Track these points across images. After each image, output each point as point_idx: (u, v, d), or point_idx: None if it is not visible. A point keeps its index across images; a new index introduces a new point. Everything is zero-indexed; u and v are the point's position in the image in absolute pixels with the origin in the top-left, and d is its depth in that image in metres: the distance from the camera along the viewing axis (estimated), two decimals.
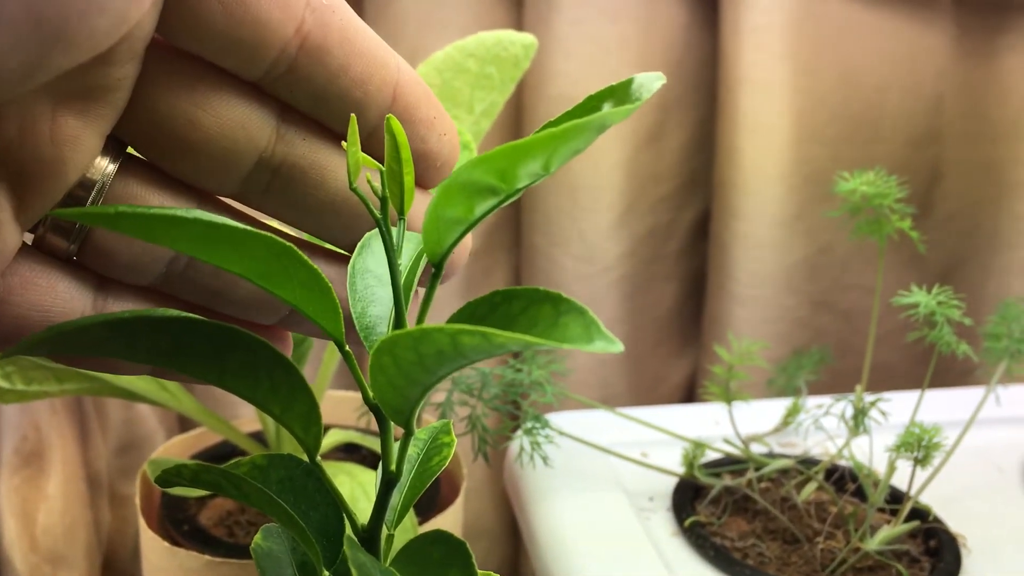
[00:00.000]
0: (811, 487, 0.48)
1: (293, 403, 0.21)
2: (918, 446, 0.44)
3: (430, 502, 0.53)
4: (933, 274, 0.78)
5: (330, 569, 0.24)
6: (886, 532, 0.45)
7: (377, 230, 0.24)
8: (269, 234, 0.19)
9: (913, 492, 0.46)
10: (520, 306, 0.19)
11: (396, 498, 0.25)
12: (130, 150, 0.23)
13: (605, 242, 0.76)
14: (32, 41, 0.18)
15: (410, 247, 0.24)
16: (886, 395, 0.50)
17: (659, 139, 0.76)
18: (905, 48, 0.72)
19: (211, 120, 0.22)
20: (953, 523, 0.48)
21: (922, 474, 0.46)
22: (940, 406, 0.56)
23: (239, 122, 0.23)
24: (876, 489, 0.46)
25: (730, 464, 0.52)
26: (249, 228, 0.19)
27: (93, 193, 0.22)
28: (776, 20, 0.69)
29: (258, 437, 0.58)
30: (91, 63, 0.20)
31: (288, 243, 0.19)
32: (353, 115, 0.21)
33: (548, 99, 0.72)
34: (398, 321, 0.22)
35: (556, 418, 0.56)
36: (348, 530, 0.23)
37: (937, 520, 0.48)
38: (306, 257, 0.20)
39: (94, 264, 0.23)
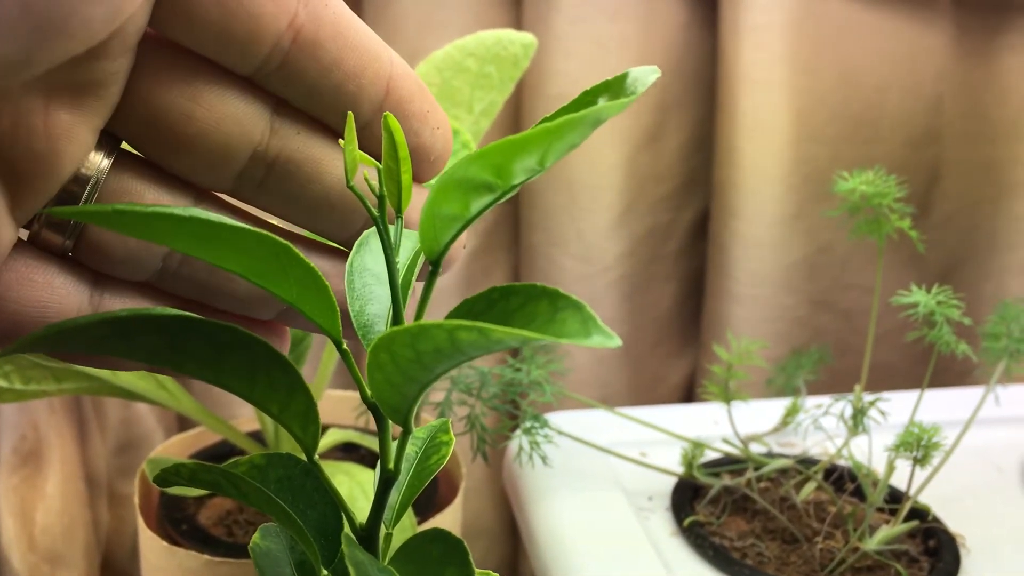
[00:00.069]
0: (810, 487, 0.48)
1: (291, 402, 0.21)
2: (917, 446, 0.44)
3: (429, 501, 0.53)
4: (932, 274, 0.78)
5: (328, 568, 0.23)
6: (885, 532, 0.45)
7: (374, 228, 0.24)
8: (266, 232, 0.19)
9: (912, 492, 0.46)
10: (518, 302, 0.19)
11: (394, 497, 0.25)
12: (124, 145, 0.23)
13: (604, 242, 0.76)
14: (26, 32, 0.18)
15: (408, 245, 0.24)
16: (885, 395, 0.50)
17: (658, 139, 0.76)
18: (905, 48, 0.72)
19: (205, 114, 0.22)
20: (952, 523, 0.48)
21: (921, 474, 0.46)
22: (939, 406, 0.56)
23: (233, 116, 0.23)
24: (875, 489, 0.46)
25: (729, 464, 0.52)
26: (246, 226, 0.19)
27: (88, 189, 0.22)
28: (776, 19, 0.69)
29: (257, 437, 0.58)
30: (84, 56, 0.20)
31: (285, 241, 0.19)
32: (350, 113, 0.21)
33: (547, 98, 0.72)
34: (396, 319, 0.22)
35: (555, 417, 0.56)
36: (346, 529, 0.23)
37: (936, 520, 0.48)
38: (303, 255, 0.20)
39: (90, 260, 0.23)
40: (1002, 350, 0.51)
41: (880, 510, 0.49)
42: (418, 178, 0.25)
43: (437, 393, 0.50)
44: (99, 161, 0.22)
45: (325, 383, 0.55)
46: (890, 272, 0.76)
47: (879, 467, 0.49)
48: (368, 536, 0.24)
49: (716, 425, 0.57)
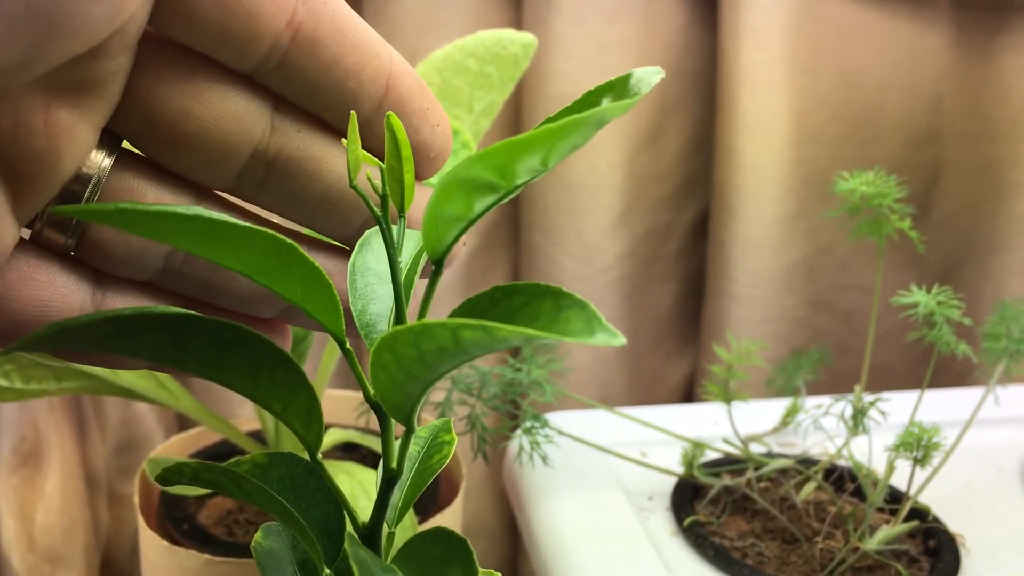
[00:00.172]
0: (810, 487, 0.48)
1: (294, 400, 0.21)
2: (917, 446, 0.44)
3: (429, 501, 0.53)
4: (932, 274, 0.78)
5: (331, 567, 0.23)
6: (885, 532, 0.45)
7: (377, 228, 0.24)
8: (269, 231, 0.19)
9: (912, 492, 0.46)
10: (521, 301, 0.19)
11: (397, 496, 0.25)
12: (125, 144, 0.23)
13: (604, 242, 0.76)
14: (28, 32, 0.18)
15: (410, 244, 0.24)
16: (885, 395, 0.50)
17: (658, 139, 0.76)
18: (904, 48, 0.72)
19: (205, 112, 0.22)
20: (952, 523, 0.48)
21: (921, 474, 0.46)
22: (939, 406, 0.56)
23: (233, 114, 0.23)
24: (875, 489, 0.46)
25: (729, 464, 0.52)
26: (249, 225, 0.19)
27: (89, 188, 0.22)
28: (776, 20, 0.69)
29: (257, 436, 0.58)
30: (84, 56, 0.20)
31: (288, 240, 0.19)
32: (353, 113, 0.21)
33: (547, 98, 0.72)
34: (399, 318, 0.22)
35: (555, 417, 0.56)
36: (349, 528, 0.23)
37: (936, 520, 0.48)
38: (306, 254, 0.20)
39: (92, 259, 0.23)
40: (1002, 350, 0.51)
41: (880, 510, 0.49)
42: (418, 175, 0.25)
43: (437, 393, 0.50)
44: (100, 160, 0.22)
45: (325, 382, 0.55)
46: (890, 273, 0.76)
47: (879, 467, 0.49)
48: (371, 535, 0.24)
49: (716, 425, 0.57)
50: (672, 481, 0.52)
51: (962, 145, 0.76)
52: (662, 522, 0.49)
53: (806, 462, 0.52)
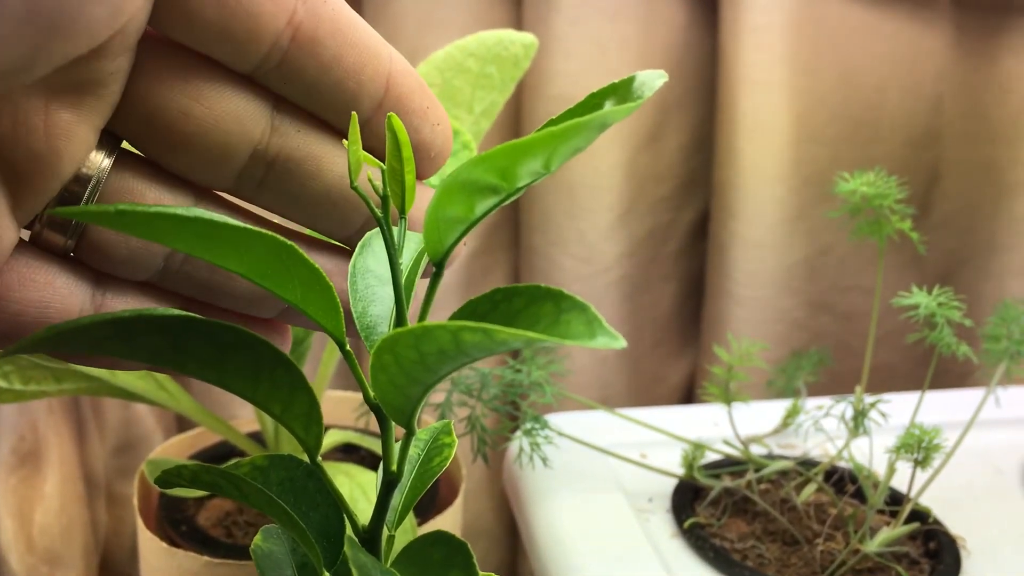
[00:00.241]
0: (811, 488, 0.48)
1: (294, 402, 0.21)
2: (918, 447, 0.44)
3: (429, 503, 0.53)
4: (932, 275, 0.78)
5: (330, 570, 0.23)
6: (886, 534, 0.45)
7: (377, 229, 0.24)
8: (269, 232, 0.19)
9: (913, 494, 0.46)
10: (521, 303, 0.19)
11: (397, 498, 0.24)
12: (125, 145, 0.23)
13: (604, 242, 0.76)
14: (30, 33, 0.18)
15: (411, 246, 0.24)
16: (886, 396, 0.50)
17: (659, 139, 0.76)
18: (905, 49, 0.72)
19: (205, 112, 0.22)
20: (953, 525, 0.48)
21: (922, 476, 0.46)
22: (940, 407, 0.56)
23: (233, 114, 0.23)
24: (876, 491, 0.46)
25: (729, 465, 0.52)
26: (249, 226, 0.18)
27: (89, 188, 0.22)
28: (776, 20, 0.69)
29: (256, 437, 0.58)
30: (84, 56, 0.20)
31: (289, 242, 0.19)
32: (354, 114, 0.21)
33: (548, 99, 0.72)
34: (399, 320, 0.22)
35: (555, 419, 0.56)
36: (349, 531, 0.23)
37: (937, 522, 0.48)
38: (307, 256, 0.20)
39: (91, 260, 0.23)
40: (1002, 352, 0.51)
41: (881, 512, 0.49)
42: (419, 175, 0.25)
43: (437, 394, 0.50)
44: (100, 161, 0.22)
45: (325, 384, 0.55)
46: (890, 273, 0.76)
47: (880, 469, 0.49)
48: (371, 538, 0.23)
49: (716, 426, 0.57)
50: (672, 483, 0.52)
51: (962, 145, 0.76)
52: (662, 524, 0.49)
53: (806, 464, 0.52)
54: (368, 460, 0.57)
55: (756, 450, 0.54)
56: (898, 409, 0.51)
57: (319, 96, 0.23)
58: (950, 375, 0.77)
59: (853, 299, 0.78)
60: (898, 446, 0.44)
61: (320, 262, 0.25)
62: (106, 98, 0.22)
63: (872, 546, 0.44)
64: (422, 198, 0.25)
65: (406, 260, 0.24)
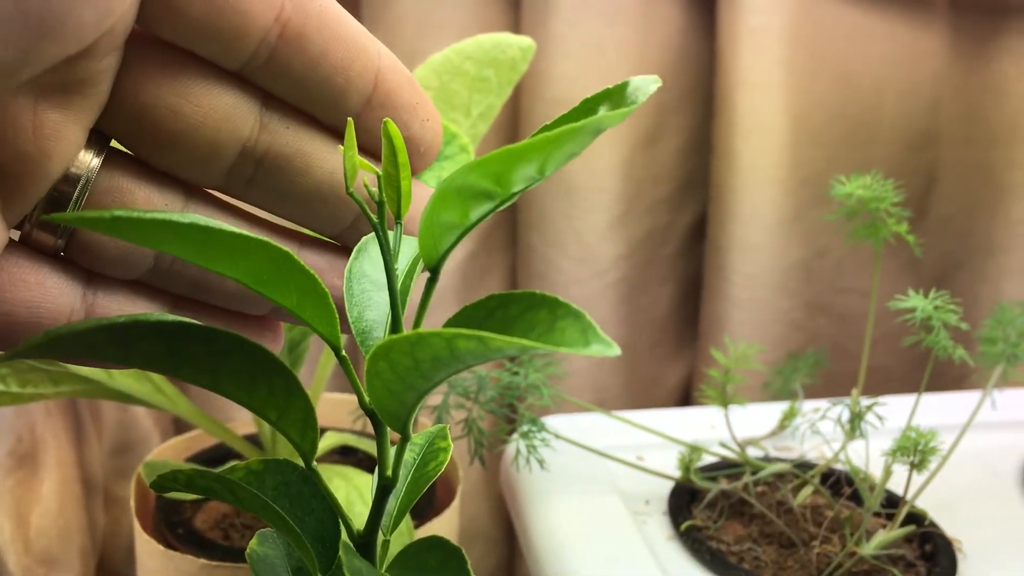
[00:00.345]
0: (807, 491, 0.48)
1: (289, 408, 0.21)
2: (914, 450, 0.44)
3: (426, 506, 0.53)
4: (928, 278, 0.78)
5: (325, 575, 0.23)
6: (882, 536, 0.45)
7: (373, 234, 0.24)
8: (266, 239, 0.19)
9: (909, 496, 0.46)
10: (517, 310, 0.19)
11: (392, 503, 0.24)
12: (114, 144, 0.23)
13: (602, 244, 0.76)
14: (20, 35, 0.18)
15: (406, 251, 0.24)
16: (882, 399, 0.50)
17: (656, 141, 0.76)
18: (902, 51, 0.72)
19: (193, 110, 0.22)
20: (949, 527, 0.48)
21: (918, 478, 0.46)
22: (936, 410, 0.56)
23: (221, 112, 0.23)
24: (872, 493, 0.46)
25: (726, 468, 0.52)
26: (245, 233, 0.19)
27: (78, 188, 0.22)
28: (773, 22, 0.69)
29: (253, 440, 0.58)
30: (73, 56, 0.20)
31: (285, 248, 0.19)
32: (350, 120, 0.21)
33: (545, 102, 0.72)
34: (395, 325, 0.22)
35: (552, 421, 0.56)
36: (344, 536, 0.23)
37: (933, 524, 0.48)
38: (303, 262, 0.20)
39: (82, 259, 0.23)
40: (999, 354, 0.51)
41: (877, 514, 0.49)
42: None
43: (434, 397, 0.50)
44: (89, 160, 0.22)
45: (322, 386, 0.55)
46: (887, 276, 0.76)
47: (876, 471, 0.49)
48: (366, 543, 0.24)
49: (713, 429, 0.57)
50: (669, 485, 0.52)
51: (959, 148, 0.76)
52: (658, 526, 0.49)
53: (803, 466, 0.52)
54: (365, 462, 0.57)
55: (753, 452, 0.54)
56: (894, 412, 0.51)
57: (307, 92, 0.23)
58: (946, 378, 0.77)
59: (850, 301, 0.78)
60: (894, 449, 0.44)
61: (312, 259, 0.25)
62: (94, 97, 0.22)
63: (868, 549, 0.44)
64: (418, 203, 0.25)
65: (402, 265, 0.24)
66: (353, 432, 0.58)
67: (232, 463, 0.24)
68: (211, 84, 0.22)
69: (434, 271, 0.21)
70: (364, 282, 0.24)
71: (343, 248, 0.26)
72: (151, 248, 0.23)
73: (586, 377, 0.79)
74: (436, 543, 0.22)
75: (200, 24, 0.21)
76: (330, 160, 0.24)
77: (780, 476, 0.51)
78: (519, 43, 0.47)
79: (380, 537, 0.24)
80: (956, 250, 0.79)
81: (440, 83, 0.47)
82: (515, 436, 0.51)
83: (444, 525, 0.51)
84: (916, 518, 0.47)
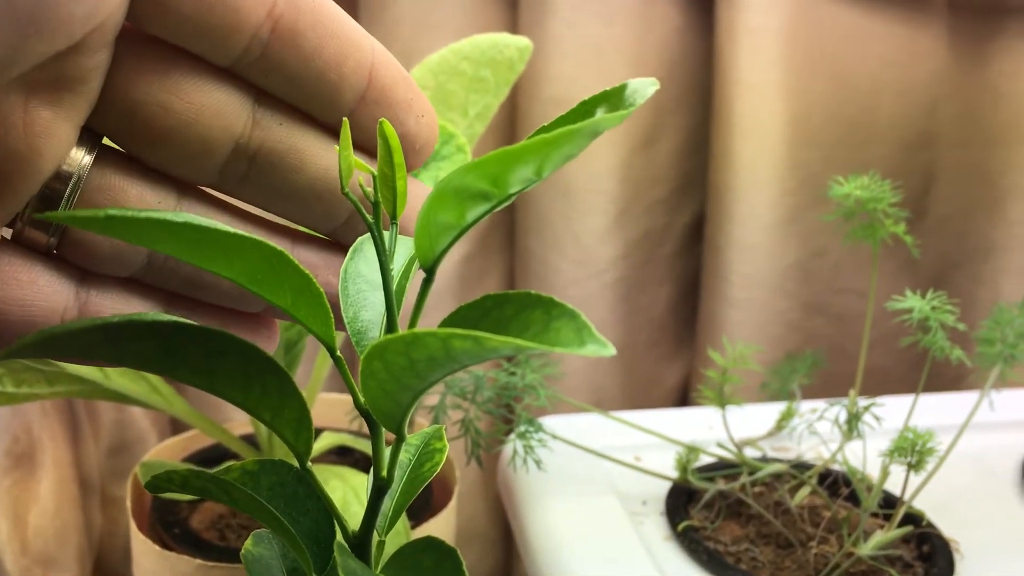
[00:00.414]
0: (804, 491, 0.48)
1: (284, 408, 0.21)
2: (912, 451, 0.44)
3: (423, 506, 0.53)
4: (926, 278, 0.78)
5: (320, 575, 0.23)
6: (879, 537, 0.45)
7: (368, 235, 0.24)
8: (261, 239, 0.19)
9: (907, 497, 0.46)
10: (512, 310, 0.19)
11: (387, 504, 0.24)
12: (106, 141, 0.23)
13: (599, 245, 0.76)
14: (9, 30, 0.18)
15: (402, 251, 0.24)
16: (880, 399, 0.50)
17: (654, 142, 0.76)
18: (899, 51, 0.72)
19: (184, 107, 0.22)
20: (946, 528, 0.48)
21: (916, 479, 0.46)
22: (934, 411, 0.56)
23: (213, 108, 0.22)
24: (869, 494, 0.46)
25: (723, 468, 0.52)
26: (240, 232, 0.18)
27: (70, 186, 0.22)
28: (771, 23, 0.69)
29: (250, 440, 0.58)
30: (63, 52, 0.20)
31: (280, 248, 0.19)
32: (346, 120, 0.21)
33: (543, 102, 0.72)
34: (390, 326, 0.22)
35: (549, 421, 0.56)
36: (339, 536, 0.23)
37: (930, 525, 0.48)
38: (298, 263, 0.20)
39: (74, 257, 0.23)
40: (996, 355, 0.51)
41: (874, 515, 0.49)
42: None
43: (431, 397, 0.50)
44: (81, 158, 0.22)
45: (319, 387, 0.55)
46: (885, 276, 0.76)
47: (873, 472, 0.49)
48: (361, 544, 0.23)
49: (710, 429, 0.57)
50: (666, 485, 0.52)
51: (957, 149, 0.76)
52: (656, 527, 0.49)
53: (800, 467, 0.52)
54: (362, 463, 0.57)
55: (750, 453, 0.54)
56: (892, 412, 0.51)
57: (301, 88, 0.23)
58: (944, 378, 0.77)
59: (847, 302, 0.78)
60: (892, 449, 0.44)
61: (306, 256, 0.25)
62: (85, 94, 0.21)
63: (866, 549, 0.44)
64: (415, 201, 0.25)
65: (397, 265, 0.24)
66: (350, 432, 0.58)
67: (228, 463, 0.24)
68: (203, 81, 0.22)
69: (430, 272, 0.21)
70: (360, 282, 0.23)
71: (338, 245, 0.25)
72: (145, 247, 0.23)
73: (583, 377, 0.79)
74: (431, 544, 0.22)
75: (191, 20, 0.21)
76: (324, 157, 0.24)
77: (777, 476, 0.51)
78: (516, 43, 0.47)
79: (375, 538, 0.24)
80: (954, 251, 0.79)
81: (437, 83, 0.46)
82: (512, 437, 0.51)
83: (441, 526, 0.51)
84: (914, 518, 0.47)
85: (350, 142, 0.21)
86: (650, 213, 0.77)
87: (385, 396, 0.19)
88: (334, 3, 0.23)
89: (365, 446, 0.56)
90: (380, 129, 0.21)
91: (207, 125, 0.22)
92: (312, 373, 0.55)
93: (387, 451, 0.23)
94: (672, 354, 0.84)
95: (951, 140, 0.76)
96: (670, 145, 0.77)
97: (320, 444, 0.55)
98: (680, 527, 0.48)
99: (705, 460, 0.53)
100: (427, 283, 0.21)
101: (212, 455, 0.57)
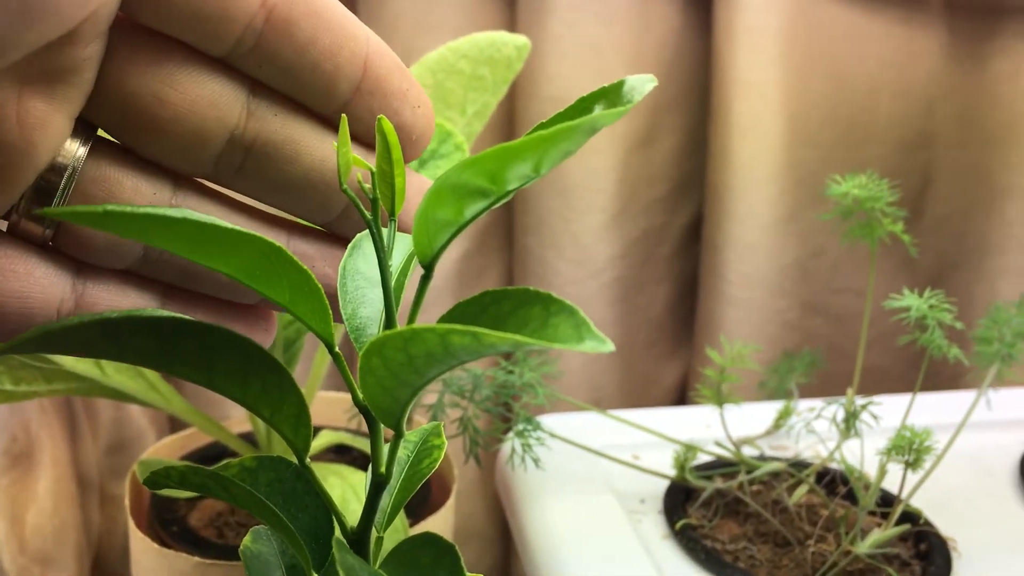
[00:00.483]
0: (802, 490, 0.48)
1: (283, 405, 0.21)
2: (909, 449, 0.44)
3: (421, 504, 0.53)
4: (924, 277, 0.78)
5: (319, 572, 0.23)
6: (877, 535, 0.45)
7: (367, 231, 0.24)
8: (259, 235, 0.19)
9: (904, 495, 0.46)
10: (510, 306, 0.19)
11: (386, 500, 0.24)
12: (101, 132, 0.23)
13: (598, 244, 0.76)
14: (2, 18, 0.18)
15: (401, 248, 0.24)
16: (877, 398, 0.50)
17: (652, 142, 0.76)
18: (897, 51, 0.73)
19: (178, 97, 0.22)
20: (944, 526, 0.48)
21: (913, 477, 0.46)
22: (931, 409, 0.56)
23: (208, 99, 0.22)
24: (867, 492, 0.46)
25: (721, 467, 0.52)
26: (239, 228, 0.18)
27: (65, 178, 0.22)
28: (770, 23, 0.69)
29: (248, 438, 0.58)
30: (56, 43, 0.20)
31: (278, 244, 0.19)
32: (345, 116, 0.21)
33: (541, 100, 0.72)
34: (388, 322, 0.22)
35: (547, 420, 0.56)
36: (337, 533, 0.23)
37: (928, 523, 0.48)
38: (296, 258, 0.20)
39: (70, 249, 0.23)
40: (994, 354, 0.51)
41: (872, 513, 0.49)
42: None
43: (429, 395, 0.50)
44: (75, 149, 0.22)
45: (317, 384, 0.55)
46: (882, 275, 0.77)
47: (871, 470, 0.49)
48: (359, 540, 0.23)
49: (708, 428, 0.57)
50: (664, 484, 0.52)
51: (954, 149, 0.76)
52: (654, 525, 0.49)
53: (798, 465, 0.52)
54: (360, 461, 0.57)
55: (748, 452, 0.54)
56: (889, 411, 0.51)
57: (295, 79, 0.23)
58: (941, 377, 0.77)
59: (845, 301, 0.78)
60: (889, 448, 0.44)
61: (302, 248, 0.25)
62: (80, 86, 0.21)
63: (863, 547, 0.44)
64: (412, 199, 0.25)
65: (396, 262, 0.24)
66: (349, 431, 0.58)
67: (226, 461, 0.24)
68: (196, 71, 0.22)
69: (428, 268, 0.21)
70: (358, 279, 0.23)
71: (334, 236, 0.25)
72: (144, 243, 0.23)
73: (582, 376, 0.79)
74: (430, 540, 0.22)
75: (184, 10, 0.21)
76: (320, 148, 0.24)
77: (775, 475, 0.51)
78: (515, 42, 0.47)
79: (374, 534, 0.24)
80: (951, 250, 0.79)
81: (435, 81, 0.47)
82: (510, 435, 0.51)
83: (439, 523, 0.51)
84: (911, 517, 0.47)
85: (348, 138, 0.21)
86: (648, 212, 0.77)
87: (384, 392, 0.19)
88: None
89: (363, 444, 0.56)
90: (379, 126, 0.21)
91: (201, 116, 0.22)
92: (310, 371, 0.55)
93: (386, 448, 0.23)
94: (670, 353, 0.84)
95: (949, 140, 0.76)
96: (668, 144, 0.77)
97: (318, 442, 0.55)
98: (678, 525, 0.48)
99: (703, 459, 0.53)
100: (425, 279, 0.21)
101: (210, 453, 0.57)
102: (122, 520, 0.72)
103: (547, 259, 0.76)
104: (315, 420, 0.25)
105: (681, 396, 0.85)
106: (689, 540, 0.47)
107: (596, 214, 0.75)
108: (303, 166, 0.24)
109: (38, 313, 0.23)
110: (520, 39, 0.48)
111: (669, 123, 0.76)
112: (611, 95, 0.21)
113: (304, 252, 0.25)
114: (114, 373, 0.48)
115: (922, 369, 0.49)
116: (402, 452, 0.26)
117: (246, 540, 0.25)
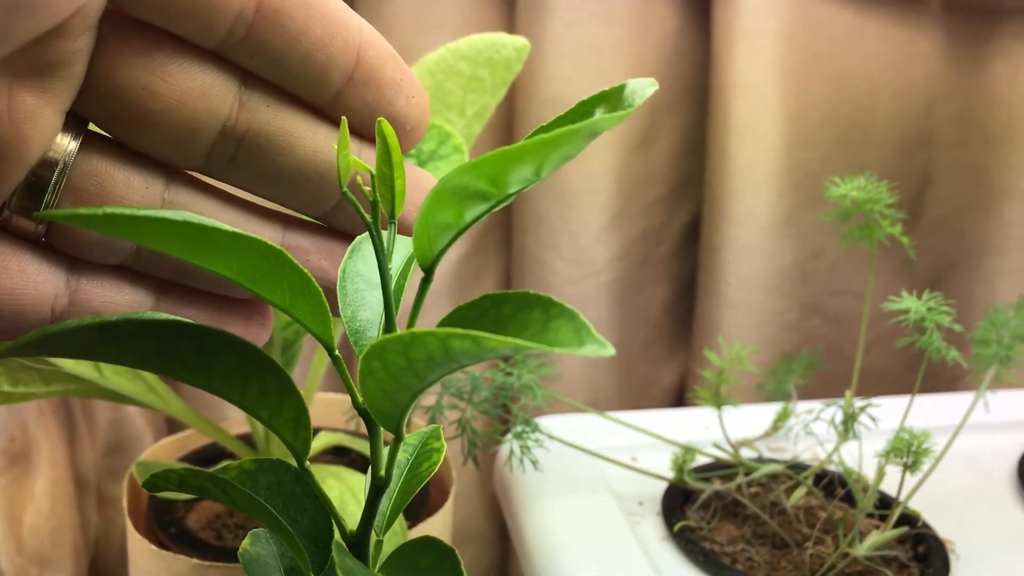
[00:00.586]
0: (800, 492, 0.48)
1: (282, 407, 0.21)
2: (907, 451, 0.44)
3: (419, 506, 0.53)
4: (922, 279, 0.78)
5: (318, 575, 0.23)
6: (875, 537, 0.45)
7: (367, 233, 0.24)
8: (259, 237, 0.19)
9: (902, 497, 0.46)
10: (510, 310, 0.19)
11: (385, 503, 0.24)
12: (92, 126, 0.23)
13: (596, 245, 0.76)
14: None
15: (401, 251, 0.24)
16: (876, 400, 0.50)
17: (651, 142, 0.76)
18: (896, 53, 0.73)
19: (169, 89, 0.22)
20: (942, 529, 0.48)
21: (911, 479, 0.46)
22: (929, 411, 0.56)
23: (199, 90, 0.22)
24: (865, 494, 0.46)
25: (720, 469, 0.52)
26: (238, 231, 0.18)
27: (56, 173, 0.22)
28: (768, 24, 0.69)
29: (246, 439, 0.57)
30: (46, 37, 0.20)
31: (278, 247, 0.19)
32: (344, 118, 0.21)
33: (540, 102, 0.72)
34: (388, 325, 0.22)
35: (546, 422, 0.56)
36: (337, 536, 0.23)
37: (926, 526, 0.48)
38: (295, 261, 0.20)
39: (63, 245, 0.23)
40: (992, 356, 0.51)
41: (870, 516, 0.49)
42: None
43: (428, 397, 0.50)
44: (67, 144, 0.22)
45: (316, 386, 0.55)
46: (881, 277, 0.77)
47: (869, 473, 0.49)
48: (358, 543, 0.23)
49: (707, 430, 0.57)
50: (662, 486, 0.52)
51: (953, 150, 0.76)
52: (652, 527, 0.49)
53: (796, 467, 0.52)
54: (359, 463, 0.57)
55: (746, 453, 0.54)
56: (888, 413, 0.51)
57: (287, 69, 0.23)
58: (940, 379, 0.77)
59: (844, 302, 0.78)
60: (888, 450, 0.44)
61: (296, 241, 0.25)
62: (70, 79, 0.21)
63: (861, 550, 0.44)
64: (412, 193, 0.24)
65: (396, 265, 0.24)
66: (347, 432, 0.58)
67: (225, 463, 0.24)
68: (187, 63, 0.22)
69: (428, 271, 0.21)
70: (358, 281, 0.23)
71: (329, 229, 0.25)
72: (143, 245, 0.23)
73: (580, 378, 0.79)
74: (429, 543, 0.22)
75: (174, 1, 0.21)
76: (313, 139, 0.24)
77: (773, 477, 0.51)
78: (514, 43, 0.47)
79: (373, 537, 0.24)
80: (950, 252, 0.79)
81: (434, 82, 0.46)
82: (509, 437, 0.51)
83: (438, 526, 0.51)
84: (909, 519, 0.47)
85: (348, 140, 0.21)
86: (647, 213, 0.77)
87: (384, 395, 0.19)
88: None
89: (361, 446, 0.56)
90: (378, 128, 0.21)
91: (193, 107, 0.22)
92: (309, 372, 0.55)
93: (385, 451, 0.23)
94: (668, 354, 0.84)
95: (948, 141, 0.76)
96: (667, 145, 0.77)
97: (317, 444, 0.55)
98: (676, 527, 0.48)
99: (701, 460, 0.53)
100: (425, 282, 0.21)
101: (208, 455, 0.57)
102: (120, 521, 0.72)
103: (545, 259, 0.76)
104: (313, 421, 0.25)
105: (679, 398, 0.85)
106: (687, 542, 0.47)
107: (595, 214, 0.75)
108: (296, 157, 0.23)
109: (32, 310, 0.23)
110: (519, 41, 0.48)
111: (668, 124, 0.76)
112: (612, 99, 0.21)
113: (299, 245, 0.25)
114: (112, 375, 0.48)
115: (920, 371, 0.49)
116: (401, 455, 0.26)
117: (245, 543, 0.25)
